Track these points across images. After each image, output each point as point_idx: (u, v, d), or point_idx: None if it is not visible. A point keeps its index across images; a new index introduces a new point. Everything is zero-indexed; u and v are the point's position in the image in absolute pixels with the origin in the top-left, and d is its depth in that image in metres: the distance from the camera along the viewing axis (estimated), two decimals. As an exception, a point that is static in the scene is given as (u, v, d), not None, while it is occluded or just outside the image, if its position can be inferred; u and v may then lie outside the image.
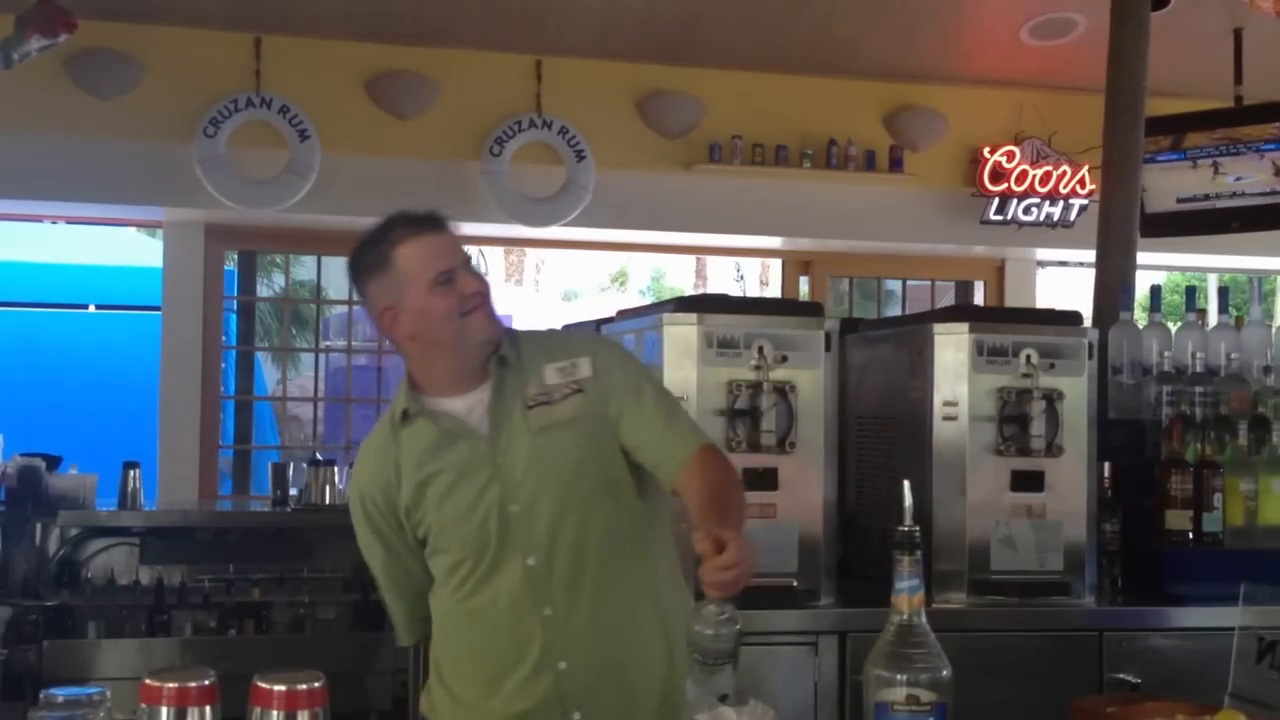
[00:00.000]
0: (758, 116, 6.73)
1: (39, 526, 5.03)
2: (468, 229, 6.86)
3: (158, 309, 6.53)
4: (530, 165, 6.42)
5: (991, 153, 6.89)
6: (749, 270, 16.27)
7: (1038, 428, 3.28)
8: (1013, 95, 6.93)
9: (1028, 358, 3.30)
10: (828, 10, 6.21)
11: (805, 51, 6.53)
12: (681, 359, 3.15)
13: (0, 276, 8.53)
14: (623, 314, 3.74)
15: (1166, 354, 3.66)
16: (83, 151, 6.06)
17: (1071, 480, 3.34)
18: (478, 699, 2.36)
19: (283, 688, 1.45)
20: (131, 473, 5.23)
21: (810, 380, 3.21)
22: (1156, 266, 7.46)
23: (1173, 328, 3.82)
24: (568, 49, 6.44)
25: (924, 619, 1.79)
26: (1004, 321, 3.48)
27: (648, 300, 13.41)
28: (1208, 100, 6.49)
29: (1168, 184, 6.43)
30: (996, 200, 6.89)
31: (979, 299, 7.52)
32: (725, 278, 16.56)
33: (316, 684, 1.47)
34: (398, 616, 2.53)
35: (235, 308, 7.44)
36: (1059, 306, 5.24)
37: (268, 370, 9.03)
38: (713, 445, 2.38)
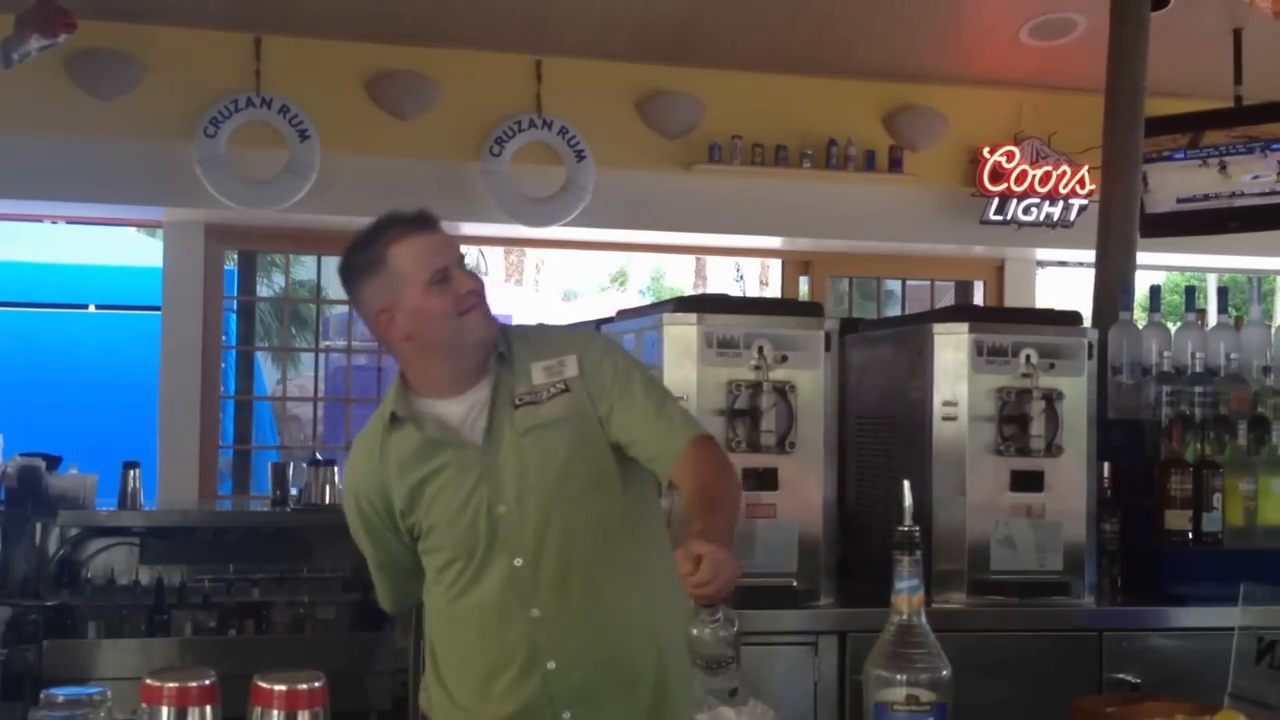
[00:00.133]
0: (757, 116, 6.73)
1: (39, 526, 5.03)
2: (468, 229, 6.87)
3: (158, 309, 6.54)
4: (530, 165, 6.42)
5: (991, 153, 6.90)
6: (749, 270, 16.27)
7: (1037, 428, 3.29)
8: (1012, 95, 6.93)
9: (1027, 358, 3.30)
10: (828, 10, 6.21)
11: (805, 51, 6.53)
12: (681, 359, 3.15)
13: (0, 276, 8.52)
14: (623, 314, 3.74)
15: (1166, 354, 3.66)
16: (83, 151, 6.06)
17: (1071, 480, 3.35)
18: (470, 699, 2.36)
19: (283, 687, 1.45)
20: (131, 473, 5.23)
21: (810, 380, 3.21)
22: (1156, 267, 7.46)
23: (1172, 328, 3.82)
24: (568, 49, 6.44)
25: (924, 619, 1.79)
26: (1004, 321, 3.48)
27: (647, 300, 13.41)
28: (1208, 100, 6.49)
29: (1179, 182, 6.41)
30: (996, 200, 6.89)
31: (978, 299, 7.52)
32: (725, 278, 16.56)
33: (317, 684, 1.47)
34: (383, 589, 2.56)
35: (235, 308, 7.44)
36: (1058, 306, 5.25)
37: (267, 370, 9.03)
38: (706, 437, 2.36)
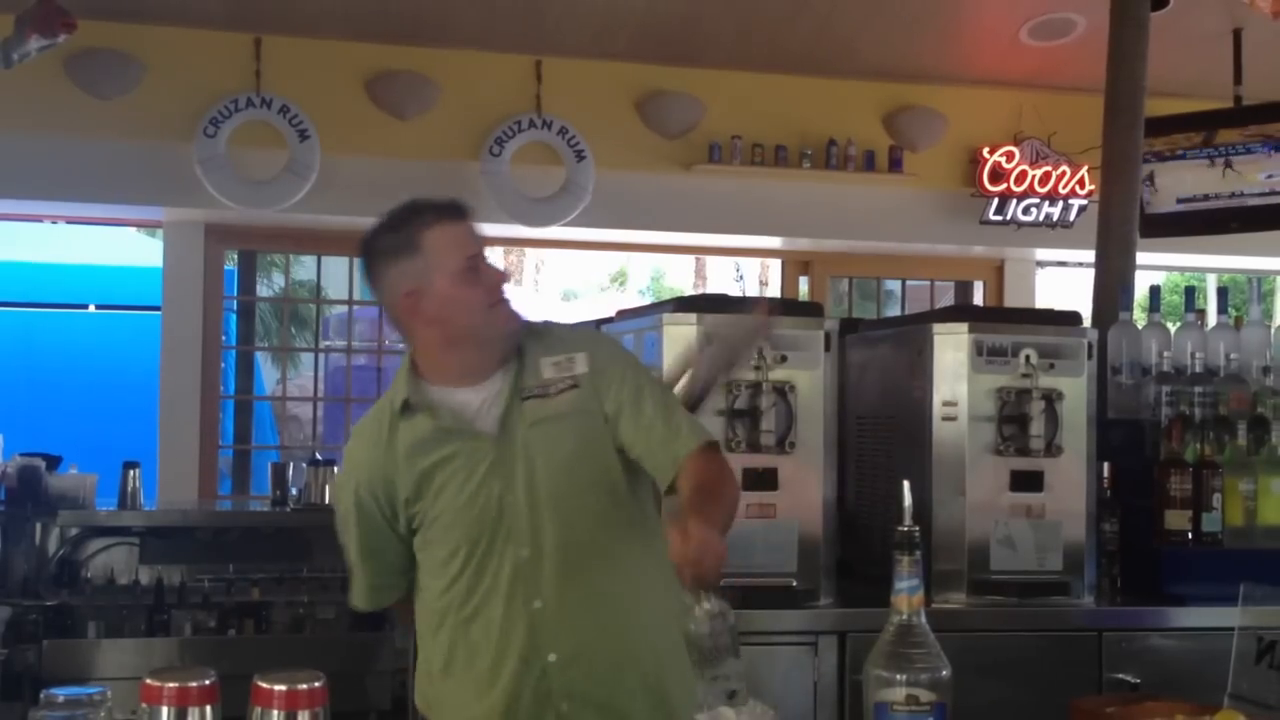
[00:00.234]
0: (757, 116, 6.73)
1: (39, 526, 5.03)
2: (467, 229, 6.87)
3: (158, 309, 6.54)
4: (530, 165, 6.42)
5: (991, 153, 6.90)
6: (748, 270, 16.25)
7: (1037, 428, 3.29)
8: (1012, 95, 6.93)
9: (1027, 358, 3.30)
10: (828, 10, 6.21)
11: (805, 51, 6.53)
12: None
13: (0, 276, 8.53)
14: (622, 314, 3.74)
15: (1166, 354, 3.67)
16: (83, 151, 6.06)
17: (1071, 480, 3.35)
18: (468, 691, 2.36)
19: (283, 688, 1.46)
20: (131, 472, 5.23)
21: (810, 380, 3.22)
22: (1156, 267, 7.46)
23: (1172, 328, 3.83)
24: (568, 49, 6.44)
25: (923, 619, 1.79)
26: (1003, 322, 3.48)
27: (647, 300, 13.40)
28: (1208, 101, 6.49)
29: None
30: (996, 200, 6.90)
31: (978, 299, 7.53)
32: (725, 278, 16.55)
33: (317, 684, 1.47)
34: (362, 583, 2.51)
35: (235, 308, 7.43)
36: (1058, 307, 5.25)
37: (267, 370, 9.03)
38: (713, 444, 2.37)
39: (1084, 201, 6.82)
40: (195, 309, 6.47)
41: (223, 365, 6.97)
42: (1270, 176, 6.32)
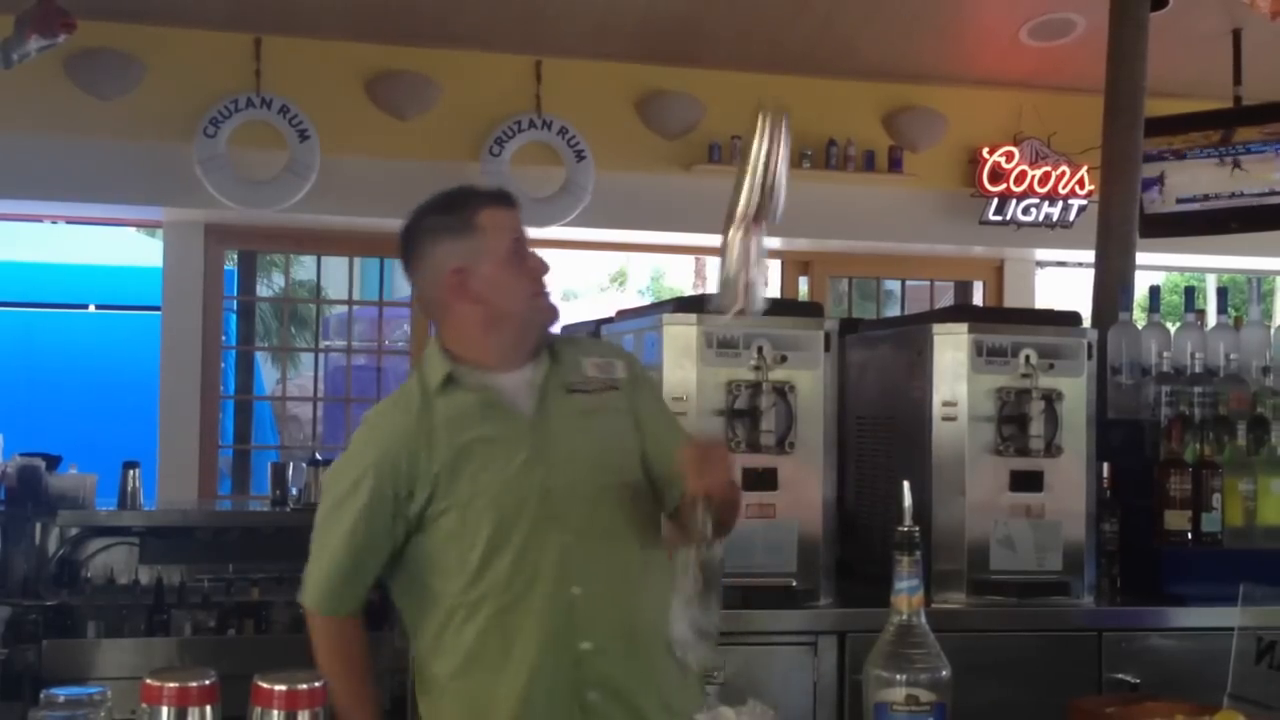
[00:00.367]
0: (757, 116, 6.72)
1: (39, 526, 5.03)
2: (467, 229, 6.87)
3: (158, 309, 6.54)
4: (530, 165, 6.42)
5: (990, 153, 6.90)
6: (748, 270, 16.24)
7: (1037, 428, 3.29)
8: (1012, 96, 6.93)
9: (1027, 358, 3.31)
10: (827, 10, 6.22)
11: (805, 51, 6.53)
12: (681, 359, 3.15)
13: (0, 276, 8.53)
14: (622, 314, 3.74)
15: (1165, 354, 3.67)
16: (83, 151, 6.06)
17: (1070, 480, 3.35)
18: (493, 684, 2.33)
19: (283, 688, 1.45)
20: (131, 472, 5.23)
21: (810, 380, 3.22)
22: (1155, 267, 7.46)
23: (1172, 328, 3.83)
24: (568, 49, 6.44)
25: (923, 619, 1.79)
26: (1003, 322, 3.49)
27: (647, 300, 13.41)
28: (1208, 101, 6.49)
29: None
30: (995, 200, 6.90)
31: (978, 299, 7.53)
32: (725, 278, 16.53)
33: (317, 684, 1.47)
34: (324, 575, 2.38)
35: (235, 308, 7.44)
36: (1058, 307, 5.25)
37: (267, 370, 9.04)
38: None
39: (1084, 201, 6.83)
40: (195, 309, 6.47)
41: (223, 365, 6.97)
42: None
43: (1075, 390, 3.34)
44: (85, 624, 4.87)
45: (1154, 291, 3.99)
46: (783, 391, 3.18)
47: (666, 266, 18.77)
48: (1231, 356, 3.60)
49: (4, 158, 6.01)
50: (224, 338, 7.04)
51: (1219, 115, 6.41)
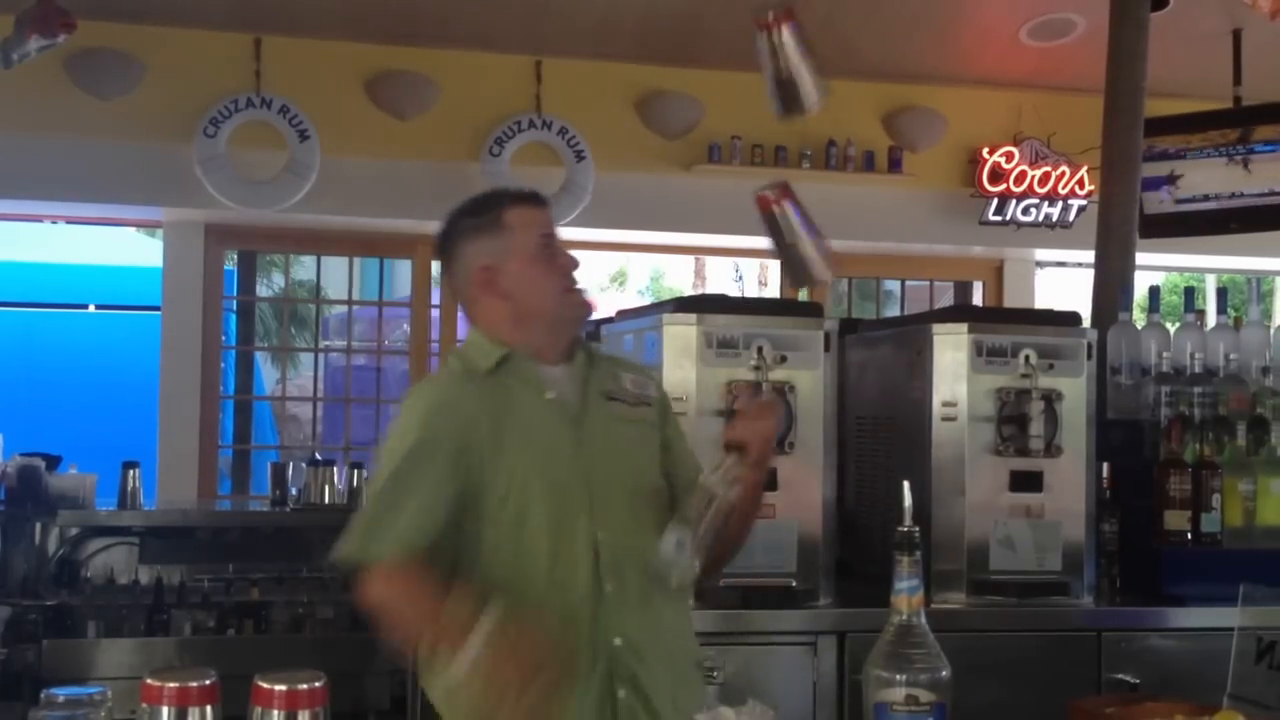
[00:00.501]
0: (757, 117, 6.70)
1: (39, 526, 5.03)
2: (467, 229, 6.87)
3: (157, 309, 6.54)
4: (530, 165, 6.42)
5: (990, 153, 6.90)
6: (748, 270, 16.26)
7: (1037, 428, 3.29)
8: (1012, 96, 6.93)
9: (1027, 358, 3.31)
10: (827, 10, 6.22)
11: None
12: (681, 359, 3.15)
13: (0, 276, 8.53)
14: (622, 314, 3.74)
15: (1165, 354, 3.67)
16: (83, 151, 6.06)
17: (1070, 480, 3.35)
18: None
19: (283, 688, 1.46)
20: (131, 472, 5.23)
21: (809, 380, 3.22)
22: (1155, 267, 7.46)
23: (1171, 328, 3.83)
24: (568, 49, 6.45)
25: (923, 619, 1.79)
26: (1003, 322, 3.49)
27: (647, 300, 13.40)
28: (1207, 101, 6.49)
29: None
30: (995, 201, 6.90)
31: (978, 299, 7.53)
32: (724, 278, 16.54)
33: (317, 684, 1.47)
34: (408, 516, 2.29)
35: (235, 308, 7.44)
36: (1058, 307, 5.25)
37: (267, 370, 9.04)
38: None
39: (1083, 202, 6.83)
40: (195, 309, 6.47)
41: (222, 365, 6.97)
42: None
43: (1075, 390, 3.34)
44: (85, 624, 4.87)
45: (1154, 292, 3.99)
46: (783, 391, 3.18)
47: (666, 266, 18.77)
48: (1231, 357, 3.60)
49: (4, 158, 6.02)
50: (224, 338, 7.04)
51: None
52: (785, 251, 2.52)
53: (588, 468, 2.35)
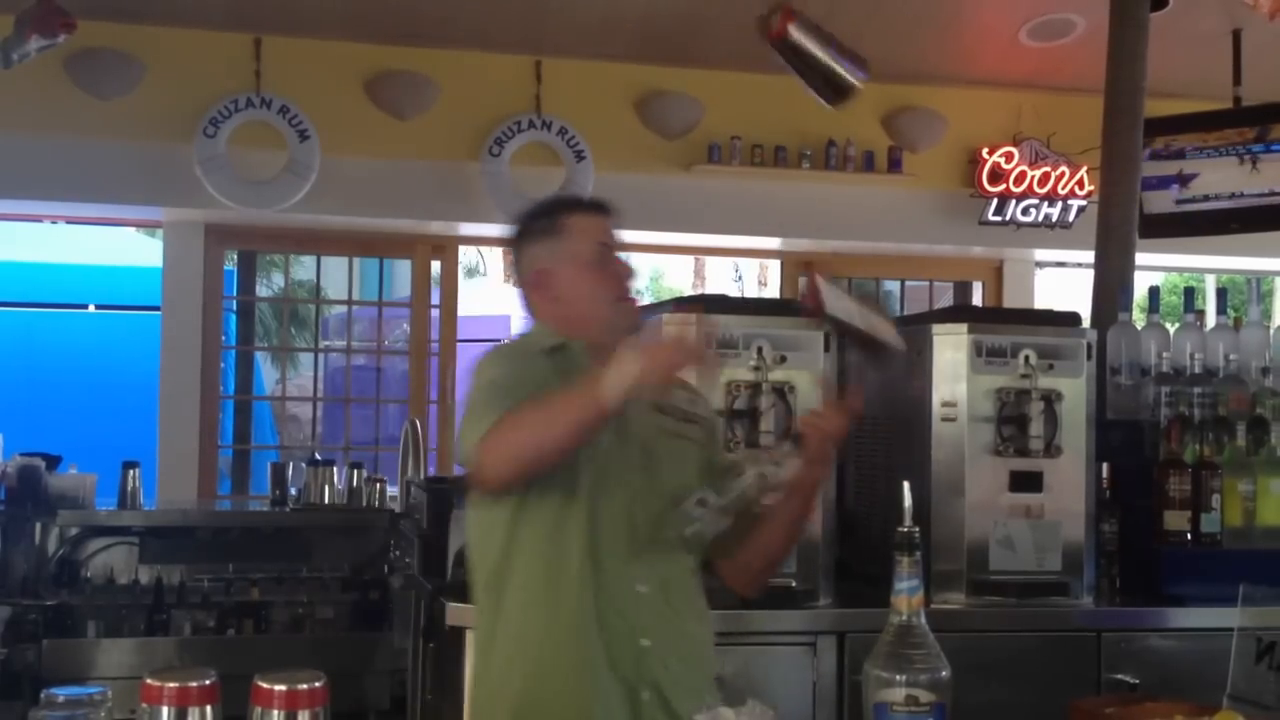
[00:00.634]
0: (757, 117, 6.74)
1: (39, 526, 5.04)
2: (467, 229, 6.88)
3: (157, 309, 6.54)
4: (530, 166, 6.42)
5: (990, 153, 6.90)
6: (747, 271, 16.26)
7: (1036, 428, 3.29)
8: (1012, 96, 6.93)
9: (1026, 358, 3.31)
10: (827, 10, 6.20)
11: (805, 52, 6.52)
12: (680, 359, 3.14)
13: (0, 276, 8.53)
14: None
15: (1165, 355, 3.67)
16: (83, 151, 6.06)
17: (1070, 481, 3.35)
18: (560, 675, 2.32)
19: (283, 687, 1.45)
20: (131, 472, 5.24)
21: (810, 380, 3.21)
22: (1155, 267, 7.46)
23: (1171, 329, 3.83)
24: (567, 49, 6.44)
25: (923, 619, 1.79)
26: (1003, 322, 3.49)
27: (646, 300, 13.36)
28: (1207, 101, 6.49)
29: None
30: (995, 201, 6.90)
31: (977, 299, 7.53)
32: (724, 278, 16.54)
33: (317, 684, 1.47)
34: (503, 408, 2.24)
35: (234, 308, 7.44)
36: (1057, 307, 5.24)
37: (267, 370, 9.04)
38: None
39: (1083, 202, 6.83)
40: (195, 309, 6.47)
41: (222, 365, 6.97)
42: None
43: (1075, 391, 3.34)
44: (85, 624, 4.88)
45: (1153, 292, 3.99)
46: (782, 392, 3.18)
47: (666, 266, 18.77)
48: (1231, 357, 3.60)
49: (4, 158, 6.01)
50: (224, 338, 7.04)
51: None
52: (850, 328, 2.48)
53: (630, 473, 2.35)
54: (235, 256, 7.26)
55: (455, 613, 3.13)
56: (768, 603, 3.14)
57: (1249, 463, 3.50)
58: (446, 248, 7.00)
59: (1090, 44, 5.60)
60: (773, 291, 9.65)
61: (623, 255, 2.49)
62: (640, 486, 2.35)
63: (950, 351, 3.32)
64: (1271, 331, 3.72)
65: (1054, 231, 6.98)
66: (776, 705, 1.93)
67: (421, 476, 4.90)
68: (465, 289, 8.67)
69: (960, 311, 5.43)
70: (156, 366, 6.45)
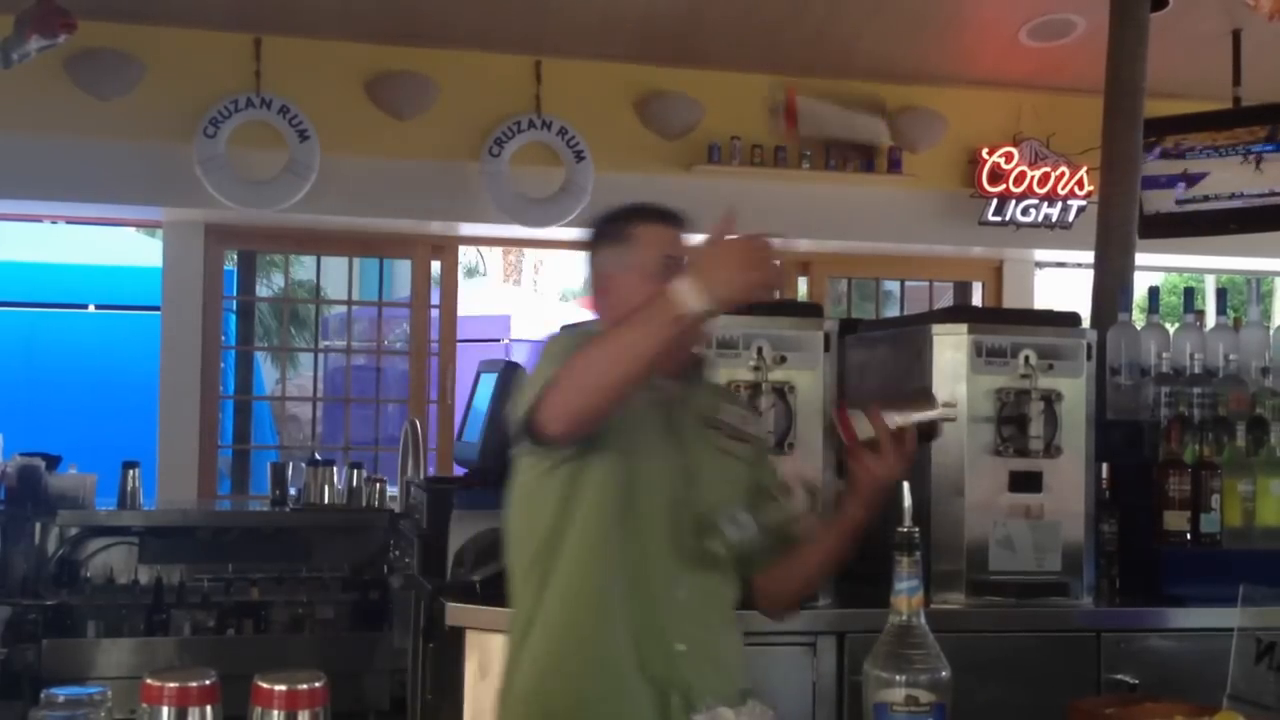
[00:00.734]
0: (757, 117, 6.74)
1: (39, 526, 5.04)
2: (466, 229, 6.89)
3: (157, 309, 6.54)
4: (529, 166, 6.43)
5: (990, 154, 6.90)
6: (748, 271, 16.23)
7: (1036, 428, 3.29)
8: (1011, 96, 6.93)
9: (1026, 359, 3.31)
10: (827, 11, 6.22)
11: (805, 51, 6.53)
12: (680, 359, 3.14)
13: (0, 276, 8.53)
14: (622, 314, 3.73)
15: (1165, 355, 3.67)
16: (83, 151, 6.06)
17: (1070, 481, 3.35)
18: (592, 670, 2.31)
19: (283, 688, 1.45)
20: (131, 472, 5.24)
21: (809, 381, 3.22)
22: (1154, 268, 7.46)
23: (1171, 329, 3.83)
24: (567, 49, 6.45)
25: (923, 620, 1.79)
26: (1002, 322, 3.49)
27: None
28: (1207, 102, 6.49)
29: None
30: (995, 201, 6.90)
31: (977, 300, 7.53)
32: (724, 278, 16.51)
33: (317, 684, 1.47)
34: None
35: (234, 308, 7.44)
36: (1057, 307, 5.24)
37: (266, 370, 9.04)
38: None
39: (1083, 202, 6.83)
40: (195, 309, 6.47)
41: (222, 365, 6.97)
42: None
43: (1074, 391, 3.34)
44: (85, 624, 4.89)
45: (1153, 292, 3.99)
46: (782, 392, 3.18)
47: (666, 267, 18.73)
48: (1231, 357, 3.60)
49: (4, 158, 6.01)
50: (224, 338, 7.04)
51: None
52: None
53: (675, 483, 2.34)
54: (235, 256, 7.26)
55: (455, 613, 3.13)
56: (767, 603, 3.15)
57: (1249, 463, 3.50)
58: (446, 248, 7.01)
59: (1090, 44, 5.60)
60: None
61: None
62: (683, 497, 2.33)
63: (950, 352, 3.32)
64: (1271, 332, 3.72)
65: (1054, 232, 6.98)
66: (776, 705, 1.94)
67: (421, 476, 4.90)
68: (465, 289, 8.68)
69: (960, 312, 5.43)
70: (156, 366, 6.45)
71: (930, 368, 3.33)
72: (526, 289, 18.04)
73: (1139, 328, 3.87)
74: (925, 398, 2.46)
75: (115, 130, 6.08)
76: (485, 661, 3.09)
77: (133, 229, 9.25)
